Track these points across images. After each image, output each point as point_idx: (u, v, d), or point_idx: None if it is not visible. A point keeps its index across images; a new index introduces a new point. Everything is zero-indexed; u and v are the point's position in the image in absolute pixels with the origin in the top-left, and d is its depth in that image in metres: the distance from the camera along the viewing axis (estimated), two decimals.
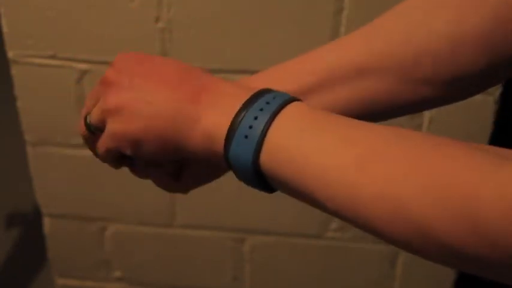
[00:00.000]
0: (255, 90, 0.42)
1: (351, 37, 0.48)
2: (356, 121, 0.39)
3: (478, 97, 0.97)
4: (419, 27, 0.45)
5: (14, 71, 1.04)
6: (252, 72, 0.52)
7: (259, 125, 0.39)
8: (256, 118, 0.39)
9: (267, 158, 0.39)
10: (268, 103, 0.40)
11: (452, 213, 0.31)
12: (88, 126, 0.49)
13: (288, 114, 0.40)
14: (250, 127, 0.39)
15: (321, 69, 0.47)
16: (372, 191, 0.34)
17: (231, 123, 0.40)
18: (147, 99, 0.43)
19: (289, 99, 0.41)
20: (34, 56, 1.02)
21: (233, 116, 0.40)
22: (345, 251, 1.17)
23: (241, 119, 0.40)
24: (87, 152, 1.24)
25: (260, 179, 0.41)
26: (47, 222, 1.21)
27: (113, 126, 0.45)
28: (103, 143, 0.47)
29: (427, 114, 1.01)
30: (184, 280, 1.26)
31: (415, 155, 0.34)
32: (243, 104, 0.41)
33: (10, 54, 1.02)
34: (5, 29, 1.00)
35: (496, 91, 0.98)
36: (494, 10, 0.43)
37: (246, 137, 0.39)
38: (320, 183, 0.37)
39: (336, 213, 0.37)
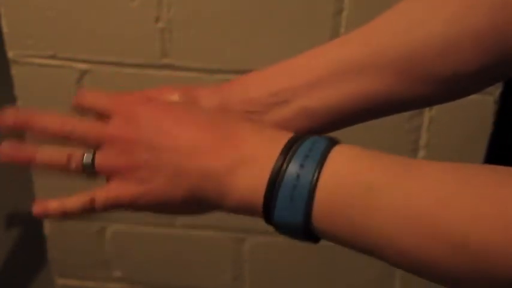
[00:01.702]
0: (288, 143, 0.40)
1: (352, 35, 0.48)
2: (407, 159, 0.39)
3: (478, 97, 0.97)
4: (419, 26, 0.45)
5: (14, 71, 1.04)
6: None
7: (305, 182, 0.38)
8: (298, 176, 0.38)
9: (322, 217, 0.40)
10: (308, 156, 0.39)
11: None
12: (86, 167, 0.47)
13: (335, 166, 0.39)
14: (295, 187, 0.38)
15: (324, 66, 0.47)
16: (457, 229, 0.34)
17: (267, 189, 0.39)
18: (171, 162, 0.42)
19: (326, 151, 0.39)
20: (34, 56, 1.02)
21: (268, 179, 0.39)
22: (345, 250, 1.17)
23: (281, 180, 0.39)
24: None
25: (310, 235, 0.41)
26: (47, 223, 1.21)
27: (132, 188, 0.44)
28: (108, 197, 0.45)
29: (427, 114, 1.01)
30: (184, 280, 1.26)
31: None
32: (280, 160, 0.39)
33: (10, 54, 1.02)
34: (5, 29, 1.00)
35: (496, 91, 0.97)
36: (490, 11, 0.43)
37: (292, 199, 0.39)
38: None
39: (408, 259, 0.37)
